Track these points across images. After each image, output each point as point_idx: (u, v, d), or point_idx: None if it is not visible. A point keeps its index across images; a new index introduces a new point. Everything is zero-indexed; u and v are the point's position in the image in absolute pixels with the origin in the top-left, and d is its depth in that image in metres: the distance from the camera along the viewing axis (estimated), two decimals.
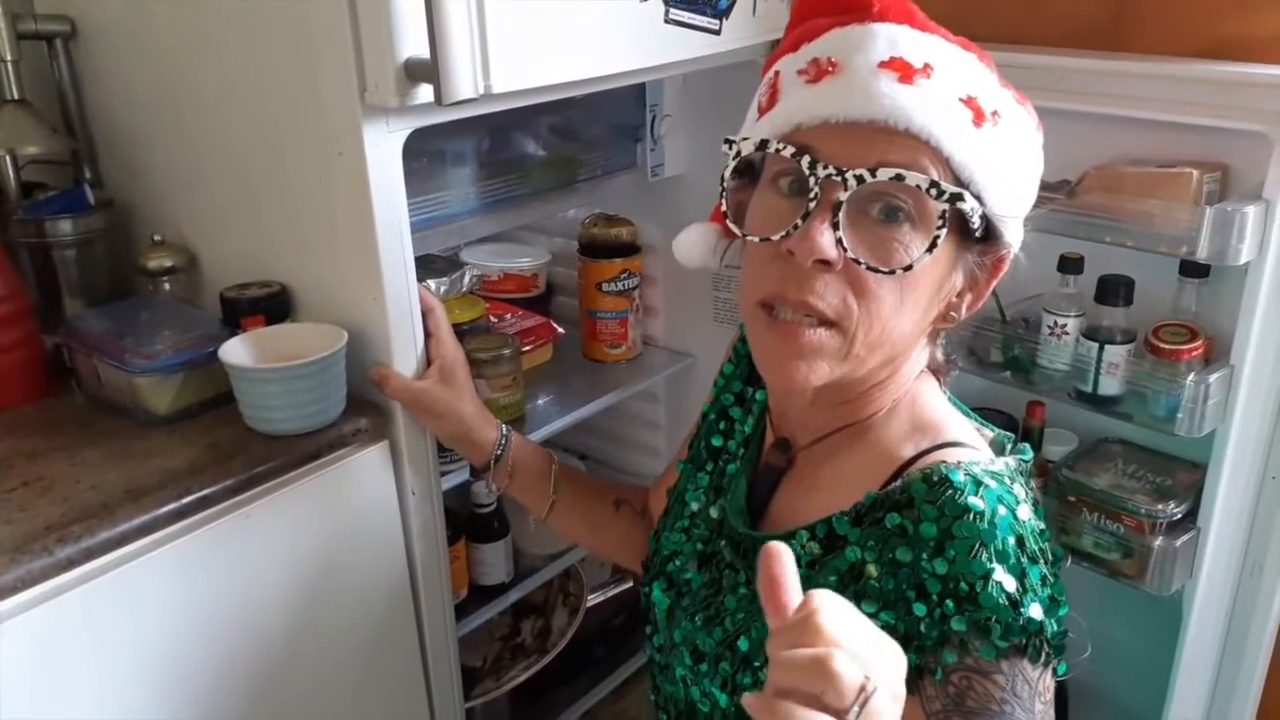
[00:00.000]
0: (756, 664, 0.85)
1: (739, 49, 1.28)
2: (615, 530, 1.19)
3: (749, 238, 0.81)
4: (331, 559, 1.08)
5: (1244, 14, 1.19)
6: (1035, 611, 0.75)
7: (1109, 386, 1.26)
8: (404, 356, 1.10)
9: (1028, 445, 0.89)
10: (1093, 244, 1.23)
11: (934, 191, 0.74)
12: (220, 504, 0.97)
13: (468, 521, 1.39)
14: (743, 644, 0.87)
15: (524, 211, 1.40)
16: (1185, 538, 1.25)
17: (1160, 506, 1.26)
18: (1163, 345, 1.22)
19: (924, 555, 0.77)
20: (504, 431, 1.15)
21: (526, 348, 1.46)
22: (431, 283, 1.22)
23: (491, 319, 1.47)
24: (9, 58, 1.20)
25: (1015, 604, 0.74)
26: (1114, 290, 1.24)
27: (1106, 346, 1.25)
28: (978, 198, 0.77)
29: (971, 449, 0.84)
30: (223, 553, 0.98)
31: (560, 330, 1.58)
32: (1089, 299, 1.27)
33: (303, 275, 1.15)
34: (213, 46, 1.12)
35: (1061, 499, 1.33)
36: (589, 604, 1.61)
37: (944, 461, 0.80)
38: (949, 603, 0.75)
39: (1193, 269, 1.21)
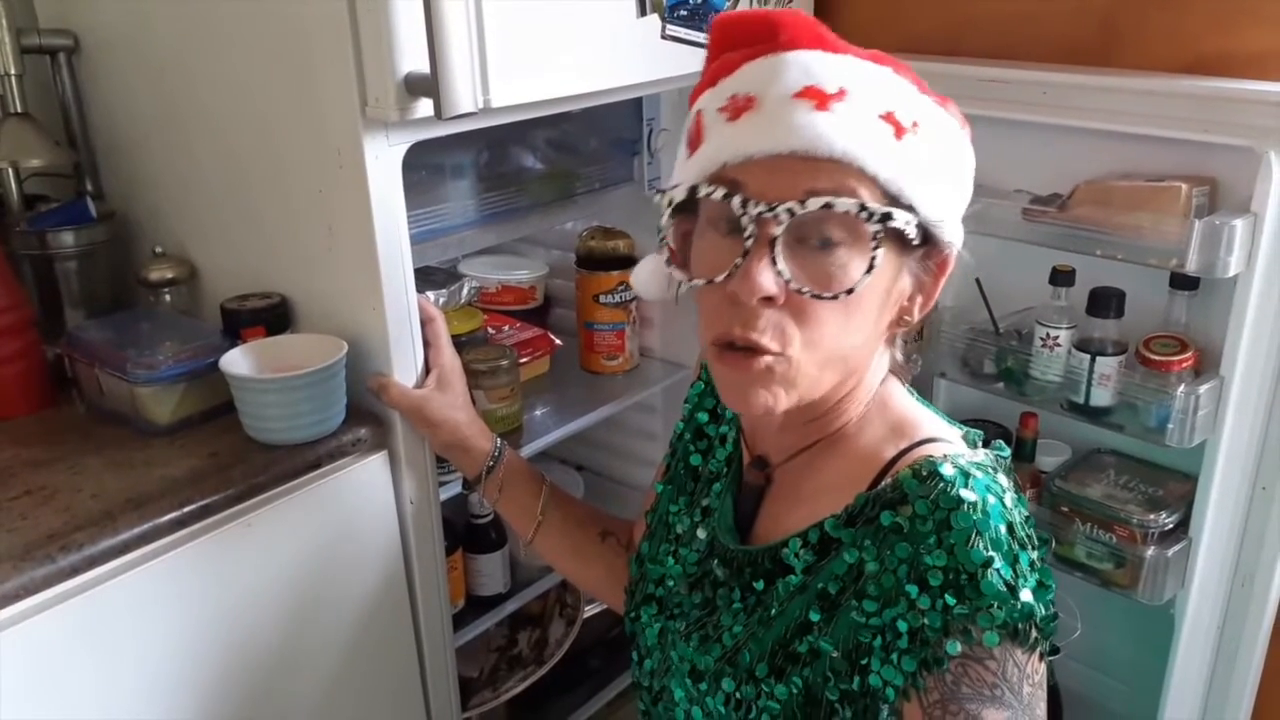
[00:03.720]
0: (759, 675, 0.86)
1: None
2: (600, 562, 1.18)
3: (695, 282, 0.83)
4: (330, 568, 1.09)
5: (1230, 31, 1.21)
6: (1027, 596, 0.77)
7: (1101, 398, 1.27)
8: (403, 367, 1.10)
9: (1002, 442, 0.90)
10: (1084, 257, 1.25)
11: (864, 214, 0.76)
12: (221, 513, 0.98)
13: (465, 532, 1.40)
14: (745, 657, 0.88)
15: (522, 224, 1.41)
16: (1177, 548, 1.26)
17: (1152, 516, 1.27)
18: (1153, 357, 1.23)
19: (922, 548, 0.78)
20: (498, 445, 1.16)
21: (524, 359, 1.47)
22: (430, 294, 1.23)
23: (489, 330, 1.48)
24: (12, 71, 1.22)
25: (1012, 589, 0.76)
26: (1105, 303, 1.25)
27: (1098, 358, 1.26)
28: (910, 208, 0.78)
29: (949, 443, 0.86)
30: (223, 561, 0.99)
31: (558, 342, 1.59)
32: (1080, 311, 1.28)
33: (303, 287, 1.16)
34: (214, 61, 1.14)
35: (1054, 509, 1.34)
36: (585, 615, 1.61)
37: (930, 456, 0.82)
38: (949, 594, 0.76)
39: (1182, 281, 1.23)
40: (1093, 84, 1.21)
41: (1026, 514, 0.82)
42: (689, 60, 1.22)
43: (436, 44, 0.92)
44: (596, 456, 1.85)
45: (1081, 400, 1.28)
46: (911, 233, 0.79)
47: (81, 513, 0.93)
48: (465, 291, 1.32)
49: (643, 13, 1.16)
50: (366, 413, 1.12)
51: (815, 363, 0.81)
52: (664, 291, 0.95)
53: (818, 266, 0.78)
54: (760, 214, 0.76)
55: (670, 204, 0.83)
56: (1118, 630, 1.44)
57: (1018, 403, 1.37)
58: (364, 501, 1.11)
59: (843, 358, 0.83)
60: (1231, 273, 1.13)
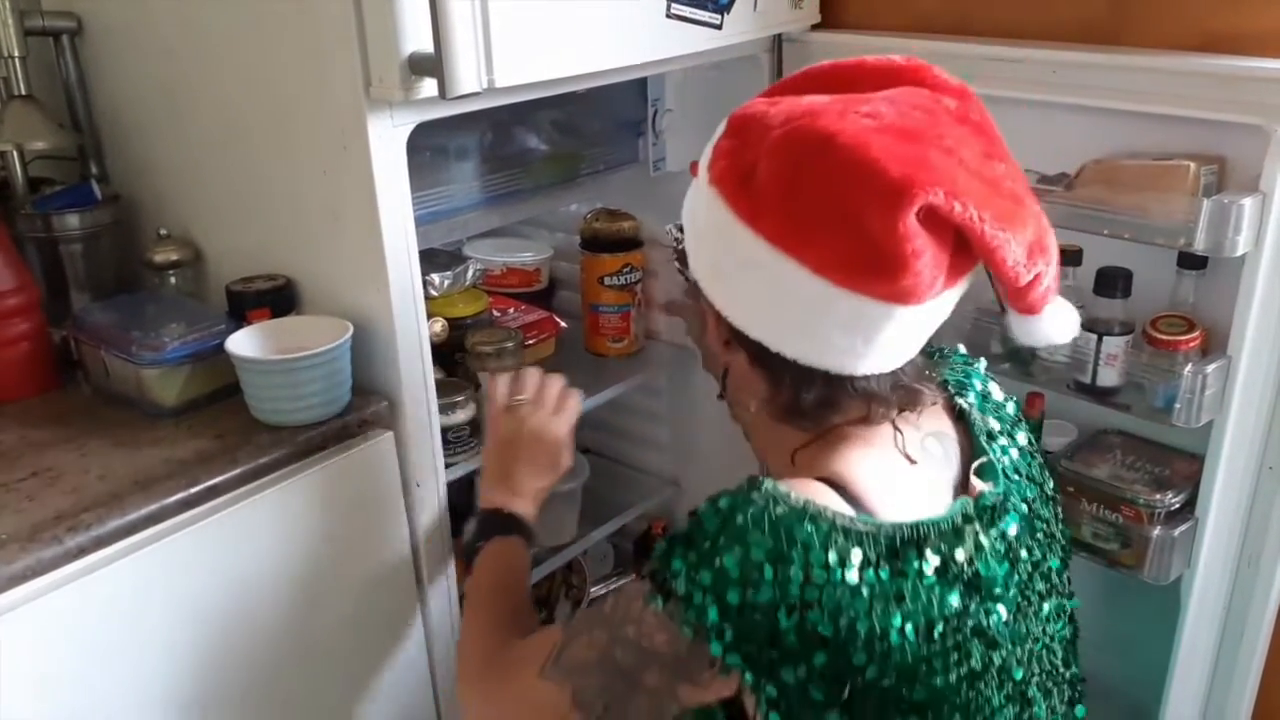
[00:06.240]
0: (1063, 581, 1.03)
1: (740, 44, 1.29)
2: None
3: None
4: (337, 549, 1.09)
5: (1240, 8, 1.20)
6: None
7: (1107, 378, 1.27)
8: (407, 349, 1.10)
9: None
10: (1091, 236, 1.24)
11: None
12: (227, 494, 0.98)
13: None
14: (1053, 564, 1.01)
15: (526, 206, 1.41)
16: (1183, 527, 1.26)
17: (1158, 496, 1.26)
18: (1160, 336, 1.22)
19: None
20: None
21: (529, 341, 1.47)
22: (435, 276, 1.23)
23: (494, 313, 1.48)
24: (17, 54, 1.22)
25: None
26: (1112, 282, 1.25)
27: (1105, 338, 1.25)
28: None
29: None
30: (229, 542, 0.99)
31: (563, 324, 1.59)
32: (1087, 291, 1.27)
33: (308, 269, 1.16)
34: (218, 43, 1.13)
35: (1061, 489, 1.34)
36: (591, 596, 1.62)
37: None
38: None
39: (1190, 261, 1.22)
40: (1101, 63, 1.20)
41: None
42: (694, 39, 1.22)
43: (440, 23, 0.91)
44: (601, 439, 1.85)
45: (1088, 380, 1.28)
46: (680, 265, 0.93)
47: (88, 494, 0.93)
48: (470, 274, 1.32)
49: None
50: (372, 394, 1.12)
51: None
52: None
53: None
54: None
55: None
56: (1124, 610, 1.44)
57: (1024, 383, 1.37)
58: (370, 483, 1.11)
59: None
60: (1240, 252, 1.12)
